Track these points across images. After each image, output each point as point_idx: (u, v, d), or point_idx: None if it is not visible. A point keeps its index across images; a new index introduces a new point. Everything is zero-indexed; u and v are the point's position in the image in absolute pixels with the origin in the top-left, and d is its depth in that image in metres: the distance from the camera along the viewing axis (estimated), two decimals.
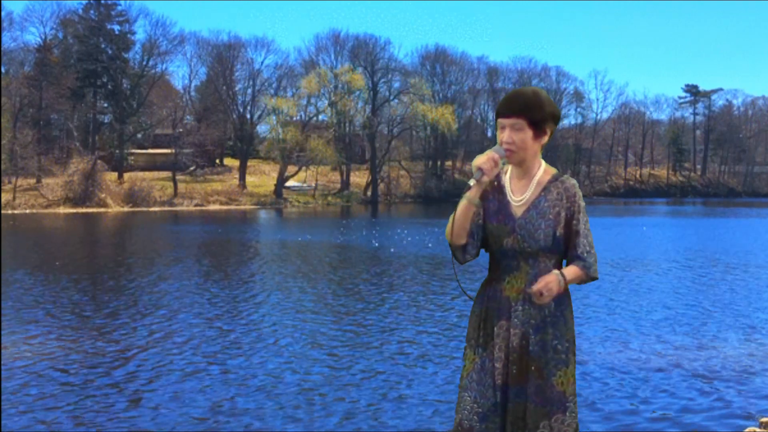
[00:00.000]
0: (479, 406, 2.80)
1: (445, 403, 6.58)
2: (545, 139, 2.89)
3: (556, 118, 2.89)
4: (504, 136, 2.84)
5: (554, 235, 2.84)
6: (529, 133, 2.83)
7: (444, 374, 7.57)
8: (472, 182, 2.76)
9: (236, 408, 6.52)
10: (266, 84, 65.15)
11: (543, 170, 2.91)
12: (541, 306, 2.81)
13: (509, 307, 2.83)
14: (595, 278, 2.90)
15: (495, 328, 2.83)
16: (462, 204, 2.76)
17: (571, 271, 2.84)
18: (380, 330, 9.80)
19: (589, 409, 6.42)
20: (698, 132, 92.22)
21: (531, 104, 2.83)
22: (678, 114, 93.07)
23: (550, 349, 2.81)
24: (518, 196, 2.88)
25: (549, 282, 2.75)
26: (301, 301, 12.30)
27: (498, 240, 2.84)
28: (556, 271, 2.80)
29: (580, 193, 2.91)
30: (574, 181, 2.92)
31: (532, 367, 2.79)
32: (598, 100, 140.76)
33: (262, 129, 66.06)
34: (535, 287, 2.73)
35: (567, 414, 2.80)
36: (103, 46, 58.00)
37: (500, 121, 2.87)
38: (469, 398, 2.82)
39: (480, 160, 2.78)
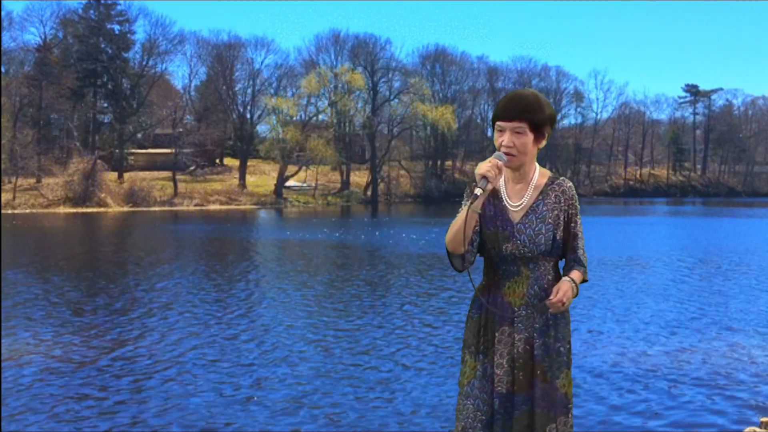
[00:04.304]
0: (483, 414, 2.78)
1: (447, 404, 6.58)
2: (543, 142, 2.83)
3: (554, 121, 2.84)
4: (504, 139, 2.76)
5: (554, 239, 2.80)
6: (530, 137, 2.76)
7: (446, 376, 7.57)
8: (479, 191, 2.65)
9: (241, 406, 6.51)
10: (266, 84, 65.13)
11: (539, 173, 2.86)
12: (544, 310, 2.79)
13: (512, 312, 2.79)
14: (586, 281, 2.90)
15: (496, 334, 2.80)
16: (465, 214, 2.66)
17: (576, 275, 2.82)
18: (384, 330, 9.79)
19: (589, 408, 6.41)
20: (698, 132, 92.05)
21: (532, 107, 2.75)
22: (678, 114, 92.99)
23: (553, 352, 2.78)
24: (516, 201, 2.83)
25: (566, 291, 2.71)
26: (306, 302, 12.29)
27: (497, 245, 2.79)
28: (567, 279, 2.77)
29: (576, 195, 2.87)
30: (570, 183, 2.89)
31: (538, 372, 2.76)
32: (598, 99, 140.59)
33: (262, 129, 66.12)
34: (556, 298, 2.69)
35: (569, 416, 2.79)
36: (103, 45, 57.91)
37: (500, 124, 2.78)
38: (471, 406, 2.80)
39: (483, 168, 2.67)
